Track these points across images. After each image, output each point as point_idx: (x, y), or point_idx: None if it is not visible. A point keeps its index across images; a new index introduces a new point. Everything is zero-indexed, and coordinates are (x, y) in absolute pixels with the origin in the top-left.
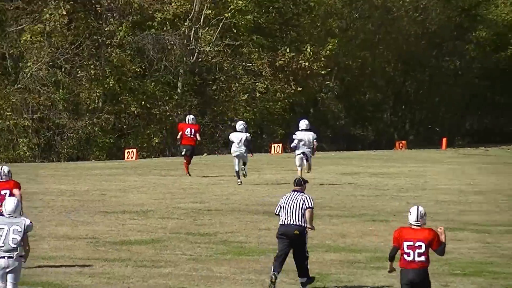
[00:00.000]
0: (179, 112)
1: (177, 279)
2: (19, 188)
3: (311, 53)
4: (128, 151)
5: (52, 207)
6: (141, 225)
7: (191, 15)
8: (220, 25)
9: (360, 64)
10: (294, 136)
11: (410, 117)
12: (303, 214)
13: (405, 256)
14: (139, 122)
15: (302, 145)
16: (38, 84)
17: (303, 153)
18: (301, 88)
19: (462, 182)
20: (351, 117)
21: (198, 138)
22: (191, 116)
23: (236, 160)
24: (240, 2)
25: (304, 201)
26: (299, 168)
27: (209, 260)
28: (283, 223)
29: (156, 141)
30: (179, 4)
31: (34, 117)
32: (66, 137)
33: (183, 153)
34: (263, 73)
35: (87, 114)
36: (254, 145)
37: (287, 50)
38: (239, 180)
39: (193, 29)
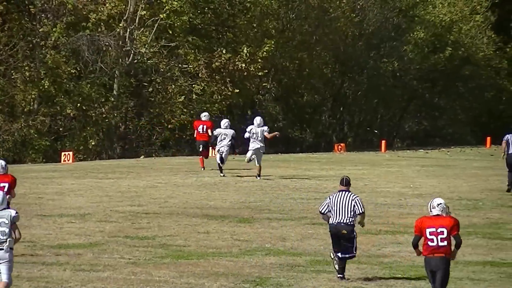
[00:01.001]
0: (115, 114)
1: (116, 283)
2: (15, 185)
3: (247, 54)
4: (65, 154)
5: None
6: (79, 228)
7: (126, 16)
8: (156, 26)
9: (297, 66)
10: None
11: (348, 119)
12: (353, 215)
13: (429, 242)
14: (75, 125)
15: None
16: None
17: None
18: (238, 90)
19: (402, 184)
20: (289, 119)
21: (210, 134)
22: (205, 113)
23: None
24: (175, 2)
25: (356, 203)
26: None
27: (148, 263)
28: (333, 222)
29: (93, 143)
30: (113, 5)
31: None
32: (1, 139)
33: (200, 149)
34: (199, 74)
35: (23, 116)
36: (193, 148)
37: (224, 52)
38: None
39: (128, 30)
